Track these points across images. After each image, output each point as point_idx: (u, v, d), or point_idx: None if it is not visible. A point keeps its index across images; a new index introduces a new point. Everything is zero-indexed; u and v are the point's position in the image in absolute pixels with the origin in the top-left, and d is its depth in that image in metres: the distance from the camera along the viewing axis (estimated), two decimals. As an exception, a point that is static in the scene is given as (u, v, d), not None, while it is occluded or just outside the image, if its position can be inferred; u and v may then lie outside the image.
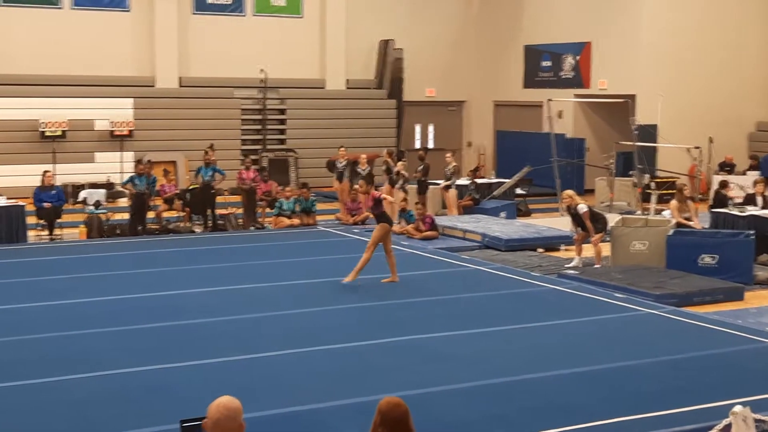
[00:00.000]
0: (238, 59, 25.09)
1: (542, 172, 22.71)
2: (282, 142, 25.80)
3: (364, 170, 20.69)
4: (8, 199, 17.52)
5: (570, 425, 7.64)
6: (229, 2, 25.43)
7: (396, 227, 18.40)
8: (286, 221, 19.30)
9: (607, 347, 10.20)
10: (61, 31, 23.47)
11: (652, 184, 20.27)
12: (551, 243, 17.23)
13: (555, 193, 21.34)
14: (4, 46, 22.87)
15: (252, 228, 19.25)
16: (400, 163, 20.80)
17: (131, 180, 18.50)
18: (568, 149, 24.45)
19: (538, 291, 13.22)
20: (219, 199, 19.43)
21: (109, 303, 12.21)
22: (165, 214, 19.15)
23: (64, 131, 22.54)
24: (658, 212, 18.25)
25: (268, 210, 20.12)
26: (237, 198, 20.35)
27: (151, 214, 18.79)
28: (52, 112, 22.55)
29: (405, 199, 18.96)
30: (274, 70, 25.09)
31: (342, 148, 21.46)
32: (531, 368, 9.26)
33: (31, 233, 17.65)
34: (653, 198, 19.66)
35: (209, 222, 19.04)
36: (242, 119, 25.25)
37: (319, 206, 20.50)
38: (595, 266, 14.78)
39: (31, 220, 17.76)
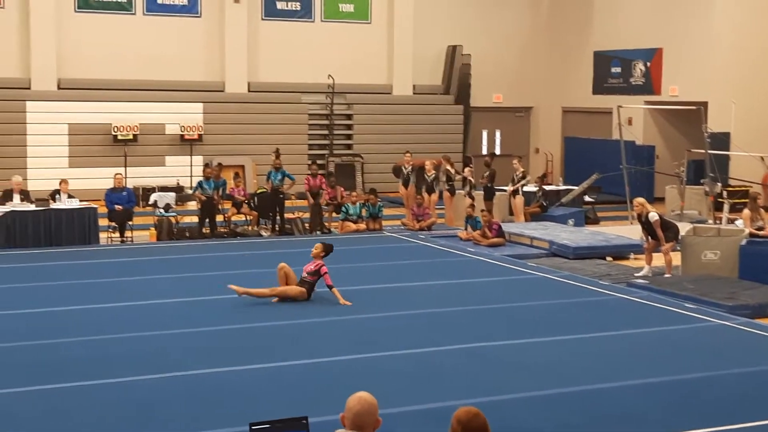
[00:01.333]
0: (306, 65, 25.26)
1: (611, 180, 22.46)
2: (348, 147, 25.90)
3: (430, 176, 20.69)
4: (81, 201, 17.84)
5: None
6: (298, 8, 25.62)
7: (462, 233, 18.39)
8: (352, 226, 19.36)
9: (678, 358, 10.04)
10: (133, 36, 23.87)
11: (725, 193, 19.92)
12: (620, 251, 17.01)
13: (624, 200, 21.08)
14: (79, 51, 23.33)
15: (318, 232, 19.33)
16: (467, 168, 20.71)
17: (199, 185, 18.75)
18: (637, 156, 24.14)
19: (606, 300, 13.05)
20: (287, 203, 19.57)
21: (179, 305, 12.37)
22: (233, 218, 19.33)
23: (135, 135, 22.90)
24: (731, 221, 17.90)
25: (334, 215, 20.21)
26: (303, 203, 20.47)
27: (219, 218, 18.99)
28: (125, 116, 22.95)
29: (472, 206, 18.89)
30: (342, 75, 25.21)
31: (408, 154, 21.46)
32: (601, 378, 9.14)
33: (102, 235, 17.95)
34: (725, 207, 19.30)
35: (276, 226, 19.19)
36: (309, 124, 25.40)
37: (385, 211, 20.53)
38: (666, 276, 14.56)
39: (102, 222, 18.06)
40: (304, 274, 12.61)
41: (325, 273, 12.39)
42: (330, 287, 12.36)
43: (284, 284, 12.67)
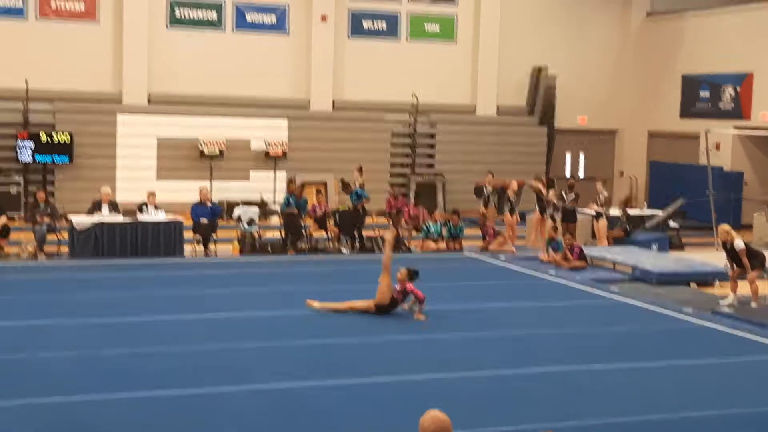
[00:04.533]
0: (391, 83, 25.40)
1: (697, 205, 22.07)
2: (431, 166, 25.94)
3: (513, 197, 20.59)
4: (167, 213, 18.19)
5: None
6: (384, 28, 25.80)
7: (543, 256, 18.25)
8: (432, 245, 19.36)
9: (763, 390, 9.80)
10: (222, 53, 24.31)
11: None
12: (705, 278, 16.68)
13: (710, 227, 20.70)
14: (169, 66, 23.85)
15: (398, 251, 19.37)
16: (551, 191, 20.59)
17: (287, 201, 19.04)
18: (725, 182, 23.68)
19: (690, 328, 12.82)
20: (368, 221, 19.68)
21: (261, 319, 12.51)
22: (315, 234, 19.50)
23: (221, 150, 23.28)
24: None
25: (414, 233, 20.24)
26: (384, 220, 20.55)
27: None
28: (211, 131, 23.36)
29: (555, 228, 18.74)
30: (426, 94, 25.28)
31: (489, 174, 21.40)
32: (682, 407, 8.98)
33: (187, 247, 18.26)
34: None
35: (356, 243, 19.30)
36: (392, 143, 25.52)
37: (466, 231, 20.46)
38: (752, 304, 14.23)
39: (187, 234, 18.37)
40: (394, 294, 12.77)
41: (412, 290, 12.68)
42: (421, 302, 12.62)
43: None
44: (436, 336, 11.77)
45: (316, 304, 12.82)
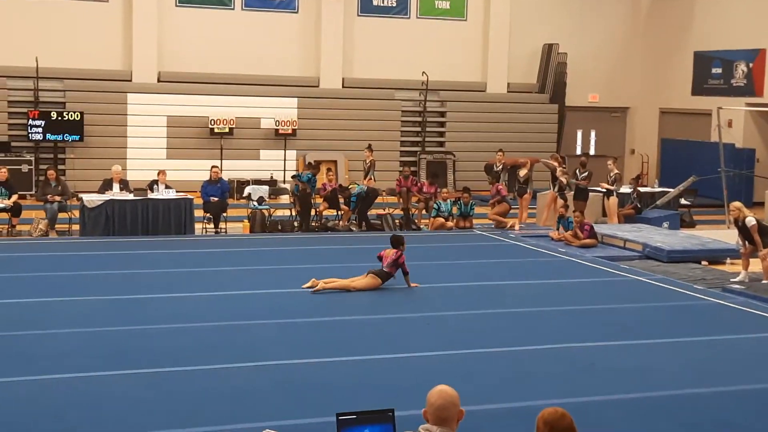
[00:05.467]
0: (401, 61, 25.31)
1: (708, 183, 21.97)
2: (441, 144, 25.88)
3: (523, 176, 20.54)
4: (177, 192, 18.21)
5: (736, 444, 7.37)
6: (393, 4, 25.69)
7: (553, 234, 18.22)
8: (443, 223, 19.30)
9: (774, 366, 9.79)
10: (231, 31, 24.25)
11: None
12: (716, 256, 16.64)
13: (721, 204, 20.63)
14: (178, 45, 23.81)
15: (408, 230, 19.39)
16: (560, 168, 20.53)
17: (298, 176, 19.09)
18: (736, 160, 23.57)
19: (701, 305, 12.80)
20: (379, 199, 19.67)
21: (270, 296, 12.55)
22: (325, 213, 19.50)
23: (231, 128, 23.28)
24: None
25: (424, 212, 20.22)
26: (394, 199, 20.54)
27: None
28: (221, 109, 23.34)
29: (565, 206, 18.69)
30: (436, 72, 25.19)
31: (500, 152, 21.36)
32: (693, 383, 8.98)
33: (197, 225, 18.30)
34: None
35: (363, 222, 19.27)
36: (402, 121, 25.46)
37: (476, 210, 20.42)
38: (763, 282, 14.18)
39: (198, 213, 18.41)
40: (384, 268, 13.08)
41: (403, 262, 13.10)
42: (406, 273, 13.11)
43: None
44: (444, 313, 11.78)
45: (316, 283, 12.88)
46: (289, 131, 23.80)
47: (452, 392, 4.37)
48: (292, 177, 19.34)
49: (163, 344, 9.96)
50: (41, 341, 9.97)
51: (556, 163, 20.59)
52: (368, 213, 19.38)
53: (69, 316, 11.13)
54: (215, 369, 9.06)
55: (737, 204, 14.84)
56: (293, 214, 19.21)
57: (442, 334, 10.74)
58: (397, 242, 13.20)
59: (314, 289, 12.72)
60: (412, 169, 22.58)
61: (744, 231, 14.55)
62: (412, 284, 13.19)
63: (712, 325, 11.68)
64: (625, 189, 21.15)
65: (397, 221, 19.60)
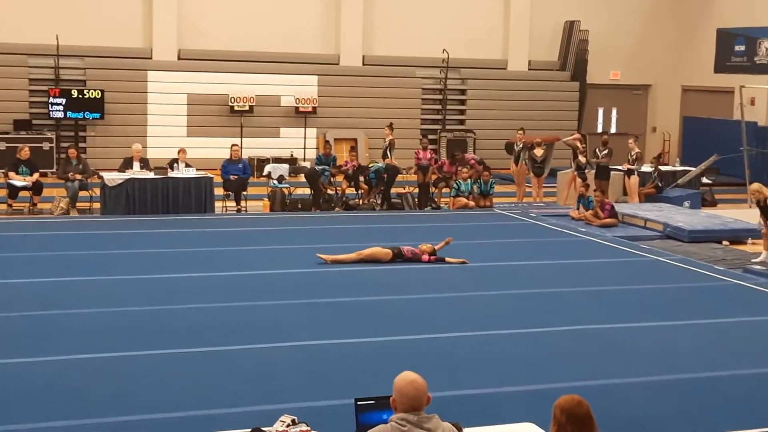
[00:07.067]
0: (421, 39, 25.20)
1: (731, 161, 21.83)
2: (461, 122, 25.80)
3: (540, 156, 20.47)
4: (198, 170, 18.24)
5: (759, 427, 7.34)
6: (410, -18, 25.52)
7: (574, 213, 18.16)
8: (463, 201, 19.27)
9: (796, 349, 9.74)
10: (251, 8, 24.19)
11: None
12: (738, 236, 16.55)
13: (744, 183, 20.48)
14: (198, 22, 23.78)
15: (428, 208, 19.38)
16: (580, 146, 20.44)
17: (318, 159, 19.18)
18: (759, 138, 23.40)
19: (722, 286, 12.74)
20: (399, 177, 19.64)
21: (292, 275, 12.56)
22: (347, 191, 19.50)
23: (251, 106, 23.27)
24: None
25: (444, 190, 20.17)
26: (413, 177, 20.52)
27: (330, 190, 19.21)
28: (241, 87, 23.33)
29: (585, 185, 18.61)
30: (456, 50, 25.06)
31: (520, 131, 21.27)
32: (715, 365, 8.94)
33: (217, 204, 18.34)
34: None
35: (385, 201, 19.27)
36: (423, 98, 25.38)
37: (496, 188, 20.37)
38: (785, 262, 14.11)
39: (218, 191, 18.45)
40: (407, 252, 13.39)
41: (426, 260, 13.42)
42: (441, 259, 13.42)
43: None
44: (465, 294, 11.77)
45: (326, 257, 13.08)
46: (309, 109, 23.78)
47: (422, 381, 4.50)
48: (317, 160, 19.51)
49: (183, 324, 10.00)
50: (63, 320, 10.04)
51: (578, 142, 20.50)
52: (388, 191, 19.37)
53: (90, 295, 11.20)
54: (236, 350, 9.09)
55: (755, 186, 14.74)
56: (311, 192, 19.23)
57: (463, 314, 10.73)
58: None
59: (326, 261, 13.10)
60: (431, 147, 22.49)
61: (765, 211, 14.45)
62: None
63: (734, 306, 11.62)
64: (646, 168, 21.03)
65: (415, 199, 19.56)
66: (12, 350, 8.91)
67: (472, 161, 20.44)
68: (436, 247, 13.62)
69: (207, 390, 7.94)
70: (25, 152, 18.04)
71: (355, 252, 13.32)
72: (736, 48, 25.71)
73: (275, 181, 19.23)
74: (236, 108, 23.16)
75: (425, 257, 13.39)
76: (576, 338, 9.83)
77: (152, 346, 9.12)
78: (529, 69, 26.44)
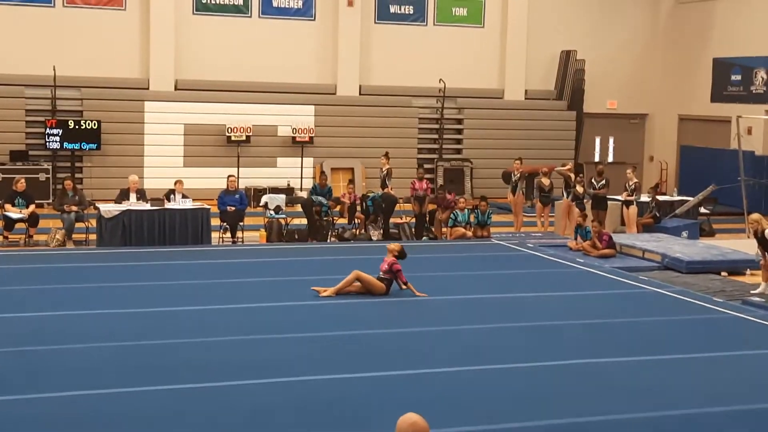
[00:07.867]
0: (418, 69, 25.26)
1: (729, 191, 21.82)
2: (458, 151, 25.81)
3: (546, 186, 20.49)
4: (194, 201, 18.18)
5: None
6: (411, 12, 25.65)
7: (571, 243, 18.10)
8: (461, 230, 19.19)
9: (796, 384, 9.66)
10: (248, 39, 24.26)
11: None
12: (736, 267, 16.51)
13: (742, 213, 20.46)
14: (195, 52, 23.84)
15: (425, 238, 19.33)
16: (577, 177, 20.43)
17: (313, 190, 19.11)
18: (757, 167, 23.40)
19: (720, 318, 12.67)
20: (396, 207, 19.62)
21: (288, 308, 12.48)
22: (338, 221, 19.45)
23: (248, 136, 23.27)
24: None
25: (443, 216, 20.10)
26: (410, 207, 20.46)
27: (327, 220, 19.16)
28: (238, 117, 23.34)
29: (583, 215, 18.57)
30: (453, 79, 25.12)
31: (517, 161, 21.27)
32: (710, 402, 8.85)
33: (214, 235, 18.27)
34: None
35: (382, 230, 19.21)
36: (419, 128, 25.41)
37: (494, 218, 20.33)
38: (783, 294, 14.05)
39: (214, 221, 18.38)
40: (381, 274, 13.20)
41: (398, 270, 13.12)
42: (404, 283, 13.11)
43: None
44: (462, 327, 11.69)
45: (321, 291, 13.07)
46: (306, 139, 23.78)
47: (423, 423, 4.38)
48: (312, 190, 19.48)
49: (180, 359, 9.90)
50: (57, 356, 9.94)
51: (570, 173, 20.50)
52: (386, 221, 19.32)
53: (86, 330, 11.08)
54: (235, 385, 8.96)
55: (755, 216, 14.71)
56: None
57: (460, 348, 10.63)
58: (401, 254, 13.31)
59: (322, 294, 13.01)
60: (427, 176, 22.48)
61: (763, 242, 14.41)
62: (419, 293, 13.14)
63: (732, 339, 11.54)
64: (644, 198, 21.00)
65: (412, 230, 19.52)
66: (1, 388, 8.79)
67: (452, 203, 20.29)
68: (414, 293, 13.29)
69: (204, 428, 7.83)
70: (21, 184, 18.01)
71: (343, 280, 13.22)
72: (733, 77, 25.77)
73: (272, 212, 19.18)
74: (233, 138, 23.16)
75: (389, 258, 13.20)
76: (570, 373, 9.72)
77: (149, 383, 9.01)
78: (525, 98, 26.50)
